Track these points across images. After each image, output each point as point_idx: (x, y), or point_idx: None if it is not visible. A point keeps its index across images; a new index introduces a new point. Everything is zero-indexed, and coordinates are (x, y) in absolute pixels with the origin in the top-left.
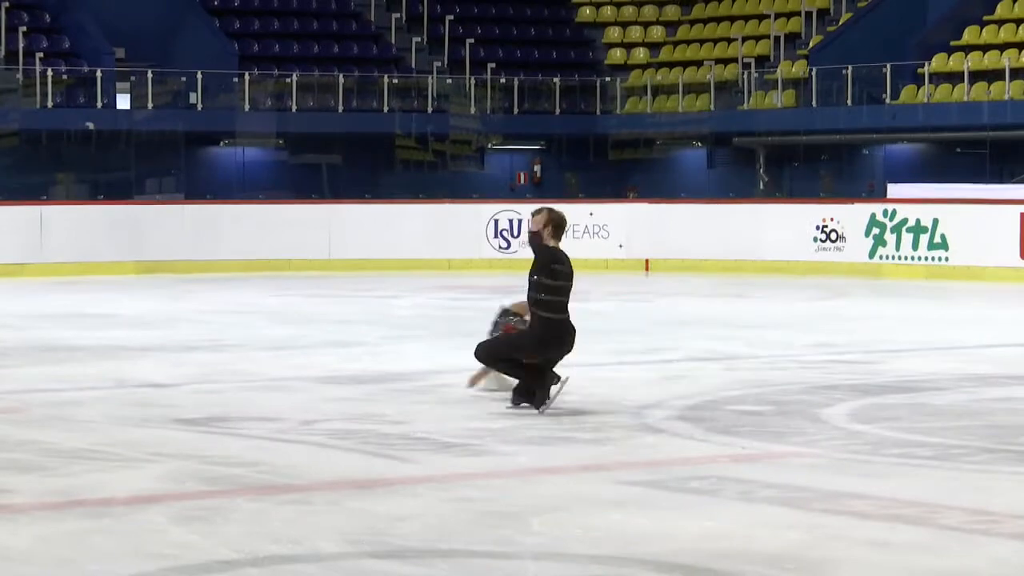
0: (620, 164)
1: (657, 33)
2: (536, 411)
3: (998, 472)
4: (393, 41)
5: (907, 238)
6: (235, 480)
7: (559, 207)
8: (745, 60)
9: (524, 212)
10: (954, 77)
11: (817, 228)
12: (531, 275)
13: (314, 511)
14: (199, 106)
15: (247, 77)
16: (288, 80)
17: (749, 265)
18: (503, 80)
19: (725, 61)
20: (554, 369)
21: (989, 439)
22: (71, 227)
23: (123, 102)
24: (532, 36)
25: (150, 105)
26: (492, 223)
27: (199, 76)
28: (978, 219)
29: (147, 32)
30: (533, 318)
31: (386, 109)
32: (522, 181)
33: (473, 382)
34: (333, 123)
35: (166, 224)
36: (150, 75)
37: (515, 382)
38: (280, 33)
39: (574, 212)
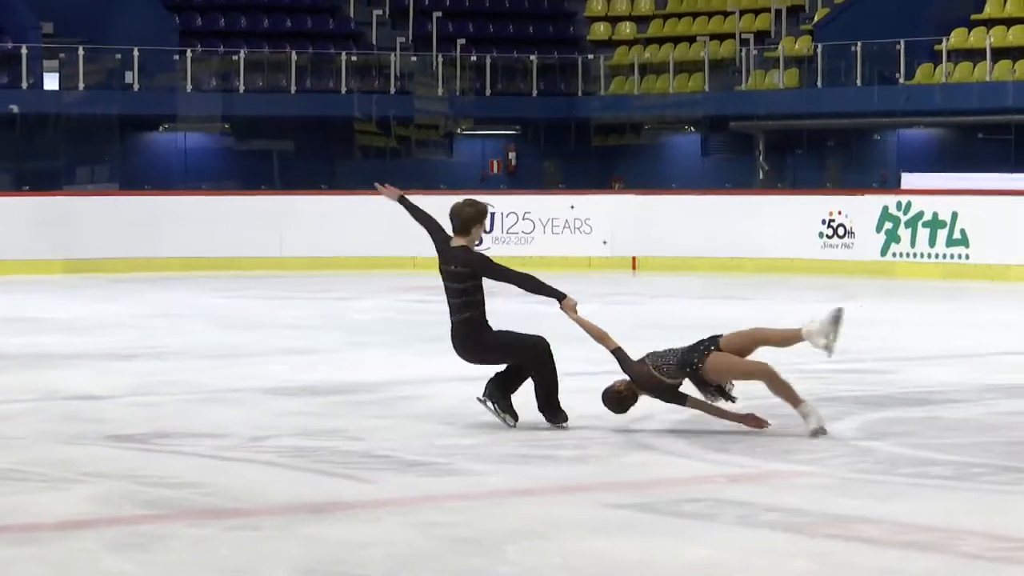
0: (604, 151)
1: (645, 5)
2: (512, 425)
3: (1022, 493)
4: (352, 14)
5: (923, 234)
6: (176, 503)
7: (538, 199)
8: (743, 36)
9: (497, 205)
10: (975, 54)
11: (823, 223)
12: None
13: (263, 538)
14: (136, 87)
15: (189, 54)
16: (235, 58)
17: (747, 264)
18: (474, 58)
19: (721, 37)
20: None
21: (1012, 457)
22: None
23: (51, 82)
24: (506, 9)
25: (81, 86)
26: None
27: (135, 53)
28: (1002, 213)
29: (78, 4)
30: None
31: (344, 90)
32: (495, 170)
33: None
34: (285, 106)
35: (99, 218)
36: (81, 52)
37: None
38: (226, 6)
39: (553, 204)
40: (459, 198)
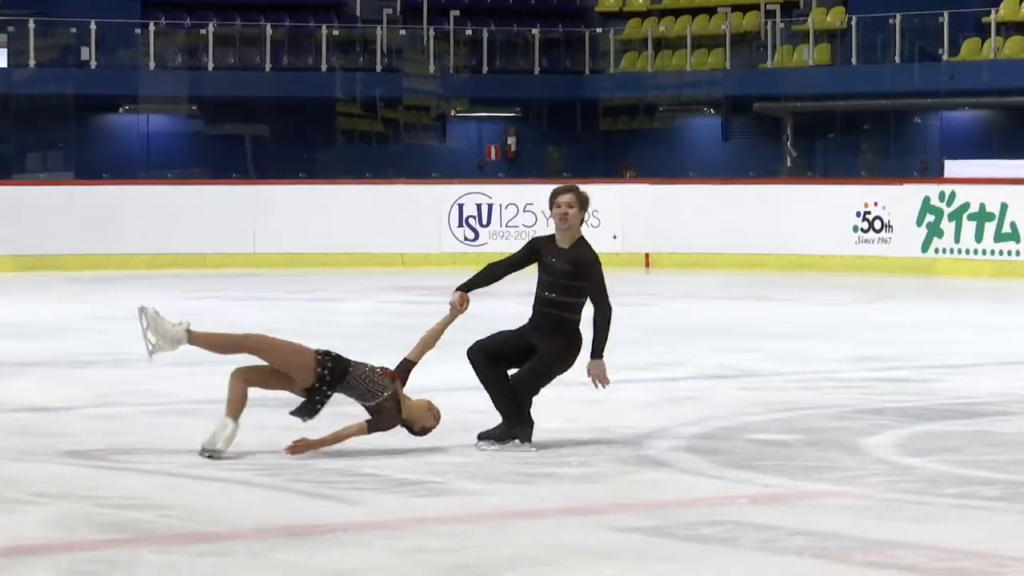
0: (614, 136)
1: None
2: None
3: None
4: None
5: (968, 227)
6: (139, 527)
7: (541, 188)
8: (768, 7)
9: (495, 195)
10: None
11: (858, 215)
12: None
13: (236, 564)
14: (93, 64)
15: (152, 28)
16: (203, 32)
17: (773, 261)
18: (469, 32)
19: (744, 8)
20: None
21: None
22: None
23: None
24: None
25: (32, 63)
26: (456, 209)
27: (92, 27)
28: None
29: None
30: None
31: (324, 68)
32: (493, 157)
33: None
34: (259, 85)
35: (52, 210)
36: (32, 25)
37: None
38: None
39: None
40: (452, 187)
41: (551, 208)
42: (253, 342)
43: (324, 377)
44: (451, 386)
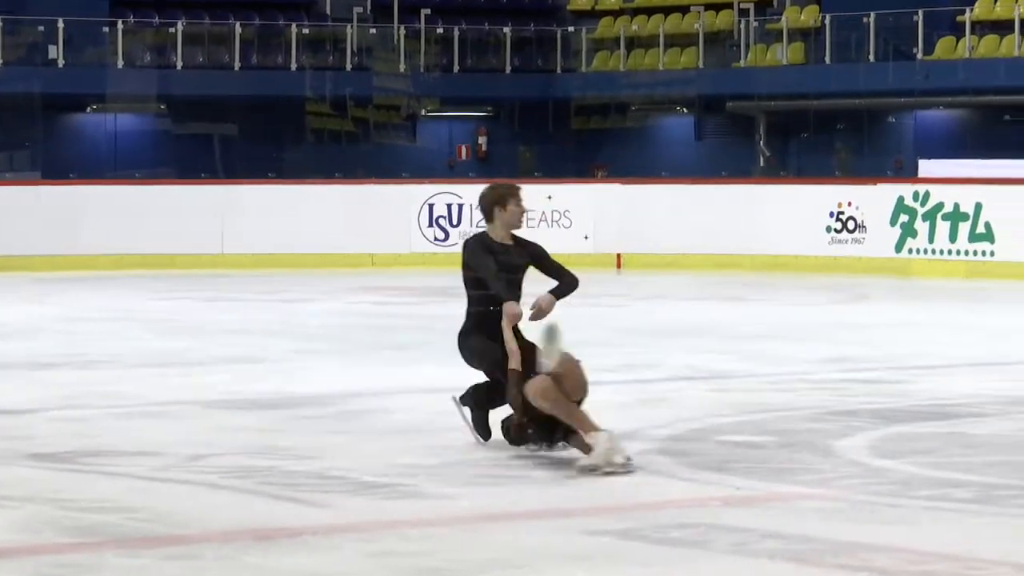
0: (586, 135)
1: None
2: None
3: None
4: None
5: (943, 228)
6: (106, 530)
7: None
8: (742, 6)
9: (466, 195)
10: (1002, 27)
11: (831, 215)
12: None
13: (204, 568)
14: (60, 62)
15: (120, 26)
16: (172, 30)
17: (746, 261)
18: (440, 30)
19: (717, 7)
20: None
21: None
22: None
23: None
24: None
25: None
26: (426, 209)
27: (60, 25)
28: None
29: None
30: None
31: (294, 67)
32: (464, 156)
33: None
34: (227, 84)
35: (19, 210)
36: None
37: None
38: None
39: (529, 195)
40: (423, 187)
41: (507, 204)
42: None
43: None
44: (418, 388)
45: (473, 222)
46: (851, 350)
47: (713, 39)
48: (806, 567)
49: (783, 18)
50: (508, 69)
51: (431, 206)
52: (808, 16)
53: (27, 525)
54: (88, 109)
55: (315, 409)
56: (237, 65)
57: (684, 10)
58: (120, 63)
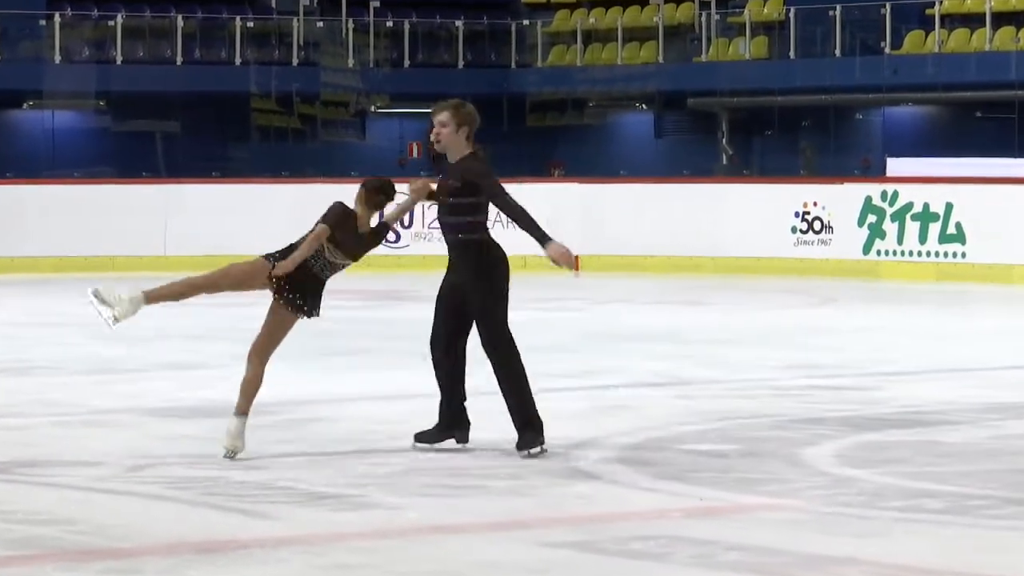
0: (542, 132)
1: None
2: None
3: None
4: None
5: (912, 228)
6: (44, 542)
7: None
8: None
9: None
10: (973, 20)
11: (796, 215)
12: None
13: None
14: None
15: (58, 19)
16: (111, 23)
17: (708, 263)
18: (390, 23)
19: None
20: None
21: (1017, 488)
22: None
23: None
24: None
25: None
26: None
27: None
28: (1003, 204)
29: None
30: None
31: (238, 61)
32: (415, 154)
33: None
34: (169, 79)
35: None
36: None
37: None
38: None
39: None
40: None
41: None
42: (208, 279)
43: (280, 282)
44: (368, 396)
45: (425, 223)
46: (818, 356)
47: (673, 33)
48: None
49: (746, 11)
50: (461, 64)
51: None
52: (772, 9)
53: None
54: (24, 105)
55: (260, 418)
56: (179, 60)
57: (643, 3)
58: (58, 58)
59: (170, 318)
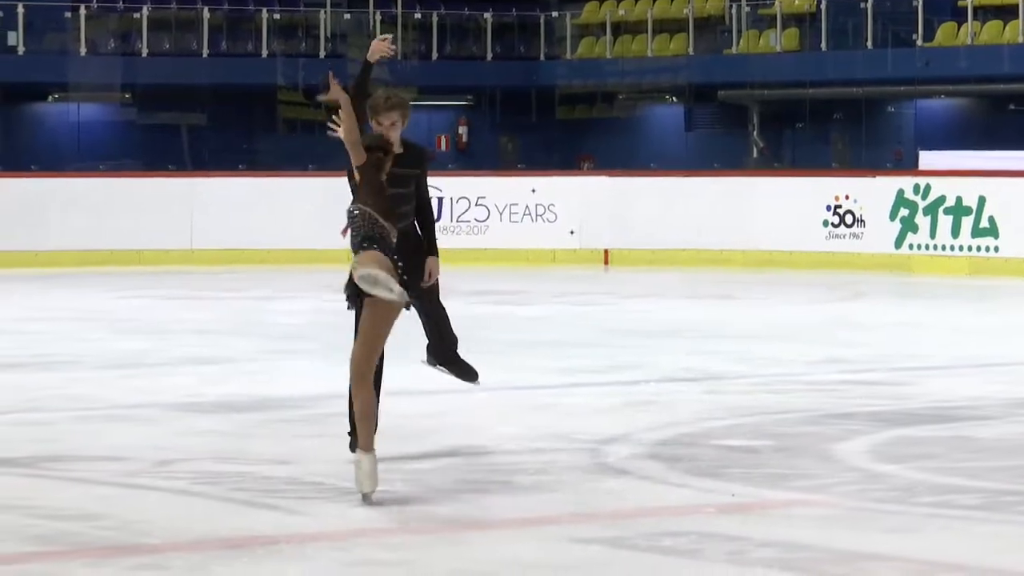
0: (571, 126)
1: None
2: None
3: None
4: None
5: (944, 222)
6: (70, 538)
7: (494, 181)
8: None
9: (446, 188)
10: (1007, 12)
11: (828, 209)
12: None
13: None
14: (20, 49)
15: (83, 12)
16: (137, 16)
17: (738, 257)
18: (418, 16)
19: None
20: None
21: None
22: None
23: None
24: None
25: None
26: None
27: (20, 10)
28: None
29: None
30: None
31: (265, 54)
32: (443, 147)
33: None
34: (195, 72)
35: None
36: None
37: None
38: None
39: (512, 188)
40: None
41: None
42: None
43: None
44: (393, 390)
45: (454, 216)
46: (849, 350)
47: (703, 24)
48: None
49: (777, 3)
50: (489, 56)
51: None
52: (803, 1)
53: None
54: (50, 98)
55: (287, 412)
56: (205, 52)
57: None
58: (83, 50)
59: (195, 311)
